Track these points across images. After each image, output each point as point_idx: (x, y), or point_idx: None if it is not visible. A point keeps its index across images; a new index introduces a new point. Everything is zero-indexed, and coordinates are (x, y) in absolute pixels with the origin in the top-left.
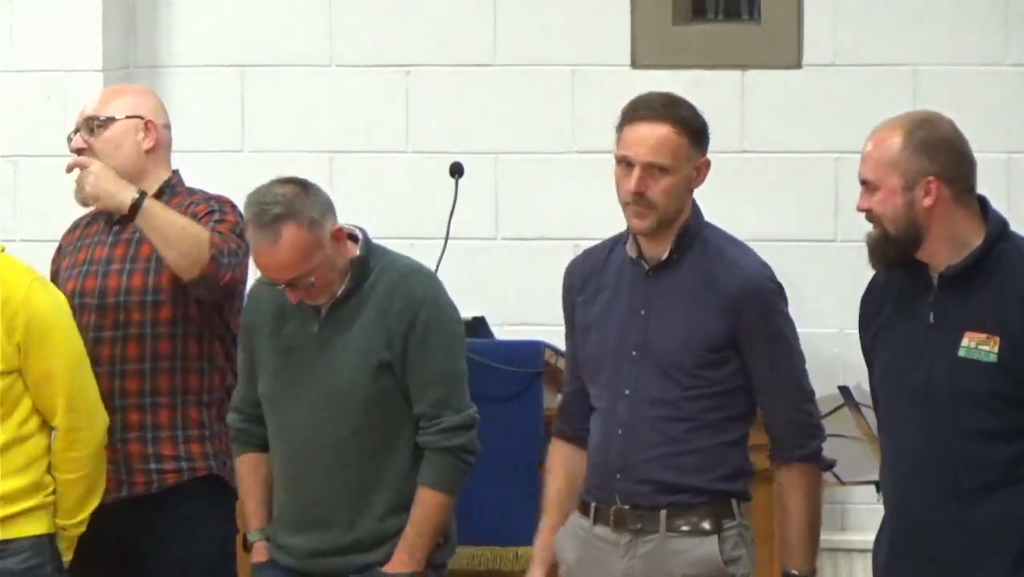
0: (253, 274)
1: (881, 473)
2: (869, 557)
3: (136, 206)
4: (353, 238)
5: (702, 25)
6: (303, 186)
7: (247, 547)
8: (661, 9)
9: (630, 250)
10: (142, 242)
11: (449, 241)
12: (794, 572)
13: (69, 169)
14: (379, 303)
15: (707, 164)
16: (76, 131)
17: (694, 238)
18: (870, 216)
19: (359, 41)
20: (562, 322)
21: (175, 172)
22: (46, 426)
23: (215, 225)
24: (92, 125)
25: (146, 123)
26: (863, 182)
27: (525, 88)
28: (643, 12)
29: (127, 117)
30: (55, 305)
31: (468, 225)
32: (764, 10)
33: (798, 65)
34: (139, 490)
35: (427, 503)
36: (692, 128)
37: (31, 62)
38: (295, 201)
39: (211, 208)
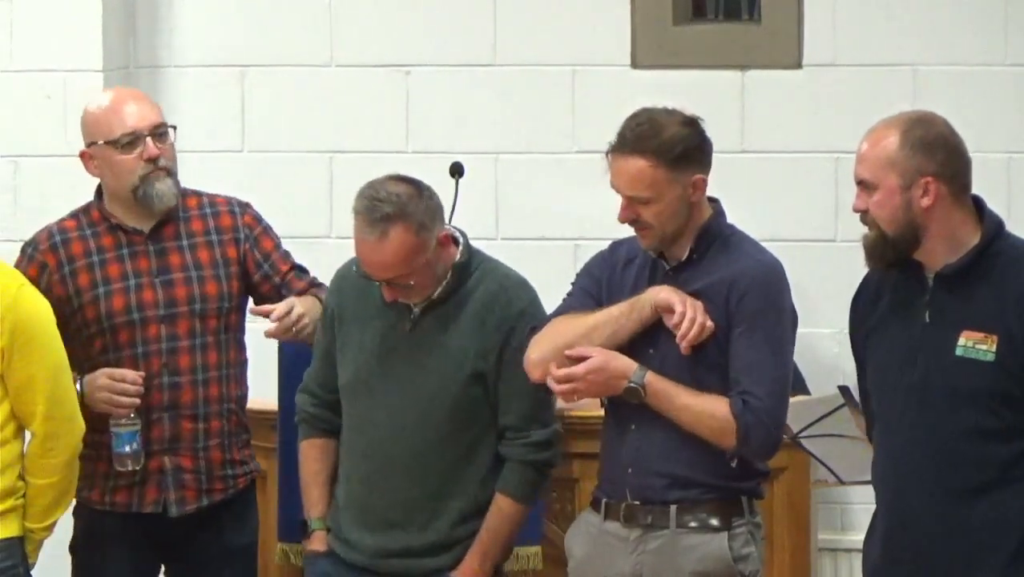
0: (339, 260)
1: (873, 471)
2: None
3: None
4: (454, 241)
5: (702, 25)
6: (418, 188)
7: (306, 533)
8: (661, 9)
9: (652, 251)
10: (196, 247)
11: None
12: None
13: (280, 334)
14: (477, 312)
15: (701, 180)
16: (146, 136)
17: (714, 239)
18: (865, 217)
19: (359, 41)
20: None
21: None
22: (21, 431)
23: (314, 279)
24: (160, 132)
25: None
26: (859, 182)
27: (525, 88)
28: (643, 12)
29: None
30: (41, 312)
31: (468, 225)
32: (764, 10)
33: (798, 65)
34: (217, 497)
35: (505, 512)
36: (670, 156)
37: (31, 62)
38: (408, 203)
39: (293, 263)
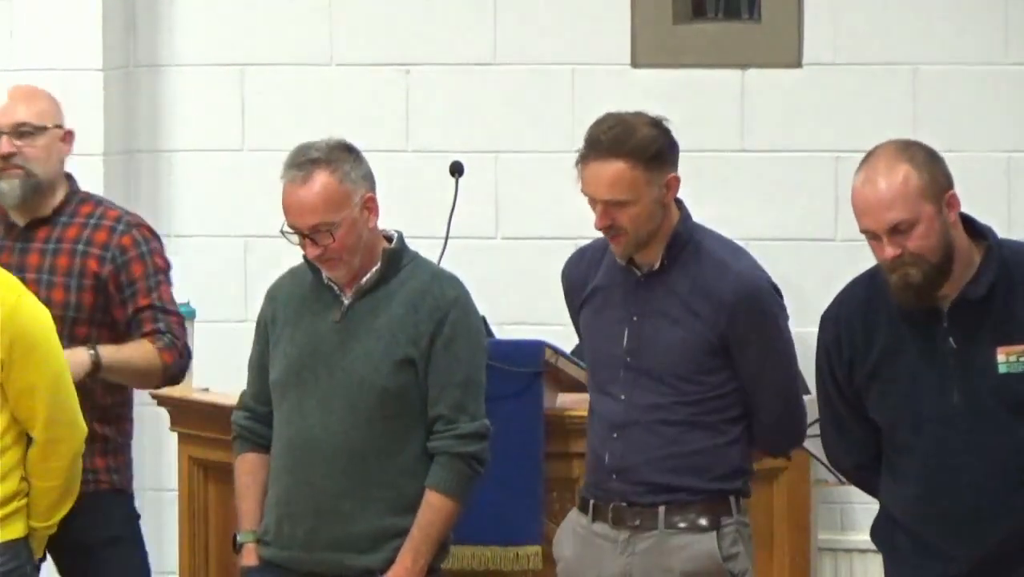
0: (273, 275)
1: (907, 505)
2: (869, 557)
3: (96, 365)
4: (388, 239)
5: (702, 24)
6: (349, 148)
7: (236, 549)
8: (661, 8)
9: (622, 258)
10: (59, 253)
11: (449, 241)
12: None
13: None
14: (409, 299)
15: (675, 179)
16: (4, 133)
17: (685, 244)
18: (900, 260)
19: (359, 41)
20: (562, 322)
21: (70, 176)
22: (23, 436)
23: (169, 326)
24: (22, 130)
25: (66, 133)
26: (891, 228)
27: (525, 88)
28: (643, 12)
29: (55, 126)
30: (40, 321)
31: (468, 225)
32: (764, 10)
33: (798, 65)
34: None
35: (436, 508)
36: (646, 156)
37: (31, 62)
38: (333, 153)
39: (155, 302)
